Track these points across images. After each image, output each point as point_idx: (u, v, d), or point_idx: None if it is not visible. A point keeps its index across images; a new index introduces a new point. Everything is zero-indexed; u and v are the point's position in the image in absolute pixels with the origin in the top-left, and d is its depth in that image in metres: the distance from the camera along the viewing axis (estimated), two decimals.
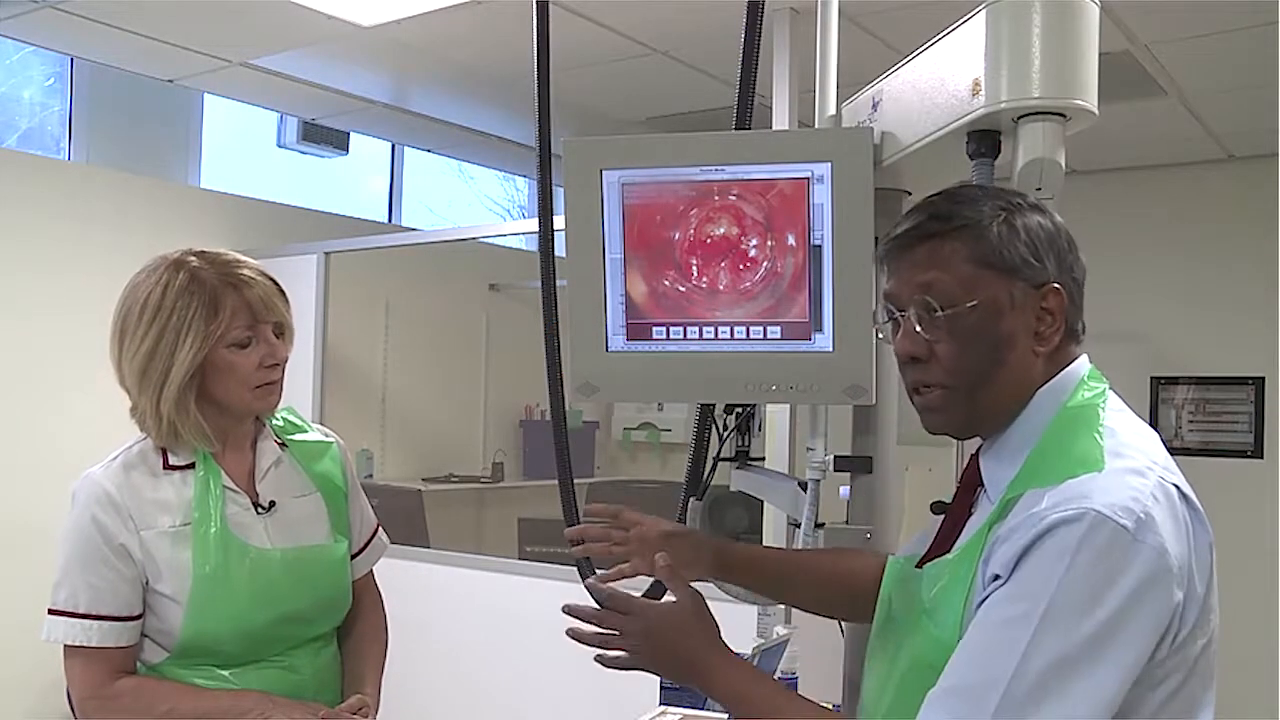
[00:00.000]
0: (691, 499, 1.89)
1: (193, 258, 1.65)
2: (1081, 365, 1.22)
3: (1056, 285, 1.18)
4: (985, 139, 1.41)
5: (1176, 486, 1.11)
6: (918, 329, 1.19)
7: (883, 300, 1.25)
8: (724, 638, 1.27)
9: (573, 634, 1.28)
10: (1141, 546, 1.03)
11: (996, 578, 1.08)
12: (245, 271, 1.66)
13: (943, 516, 1.29)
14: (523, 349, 4.97)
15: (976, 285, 1.16)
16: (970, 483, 1.26)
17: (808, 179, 1.55)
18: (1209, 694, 1.12)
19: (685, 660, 1.23)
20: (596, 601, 1.29)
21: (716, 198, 1.59)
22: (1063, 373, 1.20)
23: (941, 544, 1.25)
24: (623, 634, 1.25)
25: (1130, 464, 1.10)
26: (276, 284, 1.70)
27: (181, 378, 1.60)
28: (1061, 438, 1.15)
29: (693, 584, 1.29)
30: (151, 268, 1.66)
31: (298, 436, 1.83)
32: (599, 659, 1.27)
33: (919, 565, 1.26)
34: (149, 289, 1.62)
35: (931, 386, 1.21)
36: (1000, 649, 1.02)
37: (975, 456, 1.26)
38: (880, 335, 1.28)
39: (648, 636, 1.24)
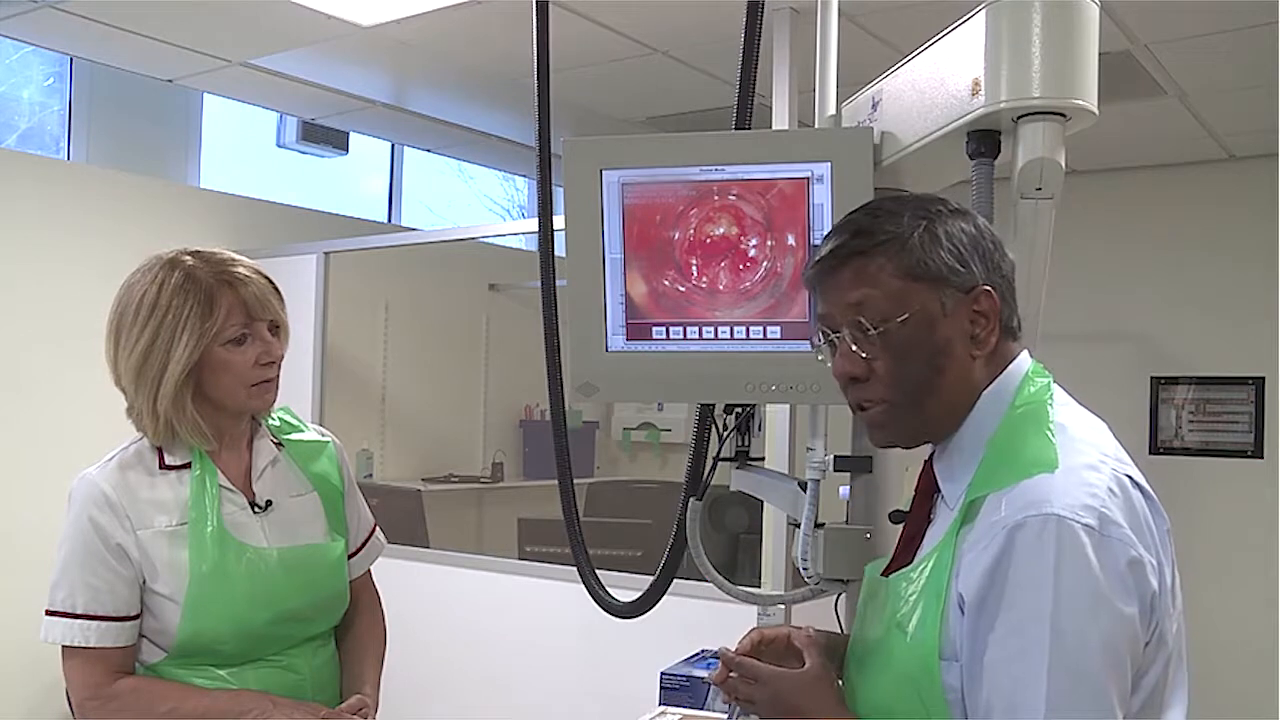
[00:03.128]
0: (691, 499, 1.89)
1: (188, 256, 1.65)
2: (1023, 362, 1.22)
3: (987, 287, 1.18)
4: (985, 139, 1.41)
5: (1129, 476, 1.12)
6: (854, 349, 1.19)
7: (817, 323, 1.25)
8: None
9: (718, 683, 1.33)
10: (1111, 541, 1.05)
11: (965, 598, 1.08)
12: (240, 270, 1.66)
13: (902, 525, 1.29)
14: (523, 349, 4.97)
15: (906, 298, 1.17)
16: (926, 490, 1.26)
17: (808, 179, 1.55)
18: (1182, 674, 1.14)
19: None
20: (728, 668, 1.31)
21: (716, 198, 1.59)
22: (1005, 372, 1.20)
23: (903, 553, 1.26)
24: (755, 701, 1.27)
25: (1083, 459, 1.11)
26: (272, 282, 1.70)
27: (178, 376, 1.60)
28: (1013, 438, 1.15)
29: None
30: (146, 267, 1.66)
31: (294, 436, 1.83)
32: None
33: (884, 574, 1.26)
34: (144, 288, 1.62)
35: (874, 403, 1.21)
36: (1022, 685, 1.03)
37: (929, 463, 1.26)
38: (819, 358, 1.28)
39: (775, 701, 1.26)
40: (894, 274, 1.17)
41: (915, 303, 1.17)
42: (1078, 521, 1.04)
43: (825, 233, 1.54)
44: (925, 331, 1.17)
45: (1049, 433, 1.14)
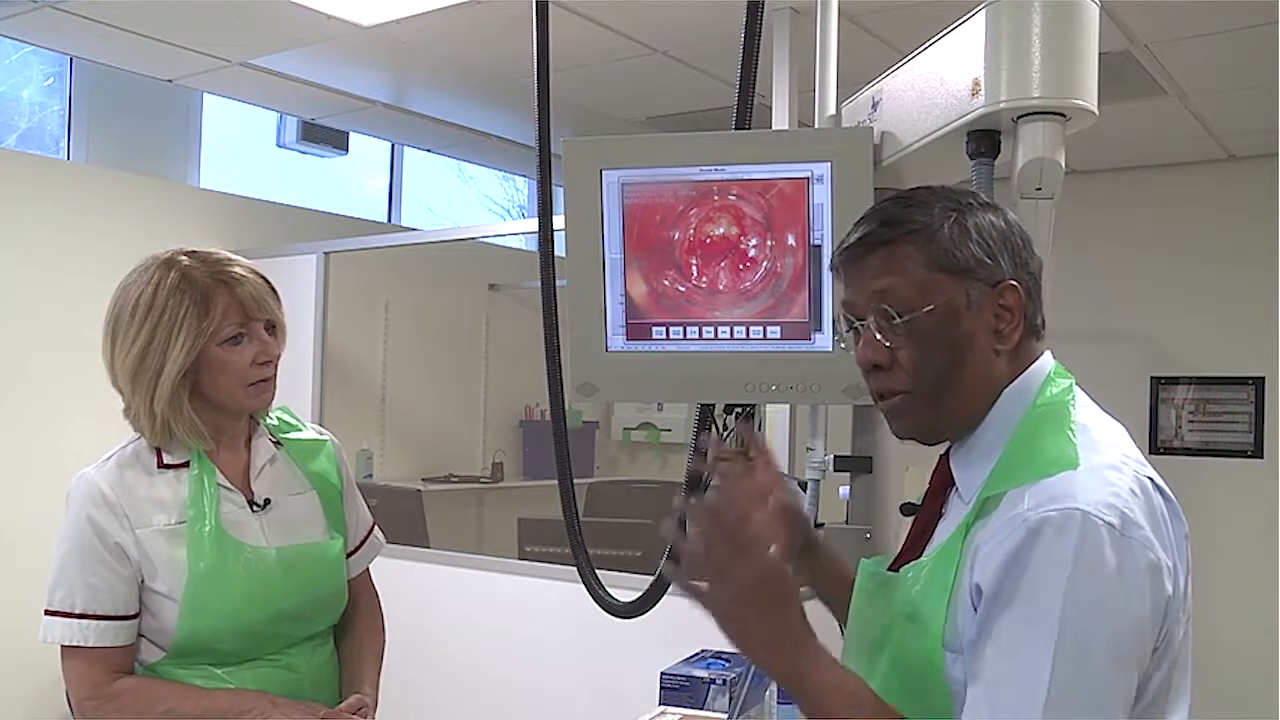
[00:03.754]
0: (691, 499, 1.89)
1: (184, 257, 1.65)
2: (1045, 362, 1.22)
3: (1013, 282, 1.18)
4: (985, 139, 1.41)
5: (1151, 479, 1.12)
6: (877, 337, 1.19)
7: (841, 309, 1.25)
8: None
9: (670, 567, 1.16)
10: (1131, 542, 1.04)
11: (981, 589, 1.07)
12: (236, 269, 1.66)
13: (912, 519, 1.29)
14: (523, 349, 4.96)
15: (932, 289, 1.16)
16: (941, 484, 1.26)
17: (807, 179, 1.55)
18: (1186, 680, 1.14)
19: (782, 626, 1.11)
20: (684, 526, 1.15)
21: (716, 198, 1.60)
22: (1027, 371, 1.20)
23: (913, 547, 1.25)
24: (723, 576, 1.11)
25: (1105, 459, 1.10)
26: (268, 282, 1.70)
27: (174, 376, 1.60)
28: (1034, 435, 1.15)
29: None
30: (143, 267, 1.66)
31: (293, 435, 1.83)
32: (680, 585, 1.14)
33: (892, 568, 1.26)
34: (140, 288, 1.62)
35: (896, 393, 1.20)
36: (1025, 675, 1.02)
37: (945, 458, 1.26)
38: (842, 345, 1.28)
39: (761, 586, 1.11)
40: (921, 264, 1.17)
41: (941, 294, 1.16)
42: (1100, 519, 1.04)
43: (825, 232, 1.55)
44: (949, 324, 1.16)
45: (1070, 432, 1.13)
